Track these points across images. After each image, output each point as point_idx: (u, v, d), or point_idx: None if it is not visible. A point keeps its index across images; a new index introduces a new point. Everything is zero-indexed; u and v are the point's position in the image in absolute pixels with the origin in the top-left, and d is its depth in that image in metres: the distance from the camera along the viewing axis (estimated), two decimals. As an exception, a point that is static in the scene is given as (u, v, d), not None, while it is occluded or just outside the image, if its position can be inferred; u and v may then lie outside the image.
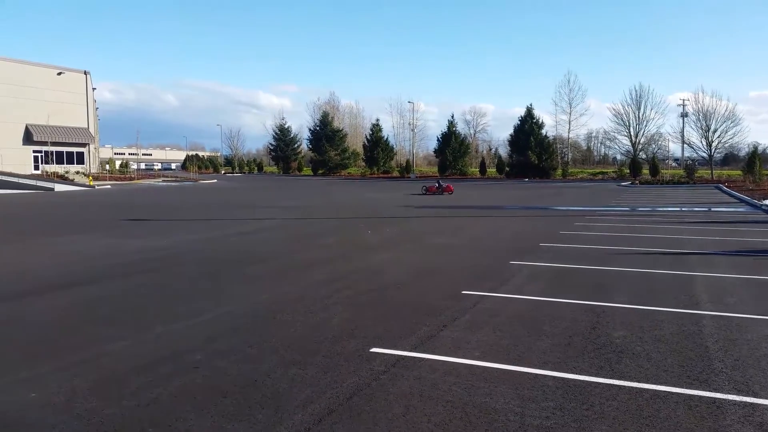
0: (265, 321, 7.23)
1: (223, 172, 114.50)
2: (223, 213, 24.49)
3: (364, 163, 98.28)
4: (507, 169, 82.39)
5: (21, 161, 54.29)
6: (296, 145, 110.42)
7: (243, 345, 6.22)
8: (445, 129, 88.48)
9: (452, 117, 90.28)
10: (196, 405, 4.64)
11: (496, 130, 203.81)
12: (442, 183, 41.62)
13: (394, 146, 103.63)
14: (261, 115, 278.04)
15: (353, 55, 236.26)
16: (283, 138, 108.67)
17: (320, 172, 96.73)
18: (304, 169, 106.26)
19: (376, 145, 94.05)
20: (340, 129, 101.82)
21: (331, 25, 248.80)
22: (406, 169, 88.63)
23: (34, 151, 56.20)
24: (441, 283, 9.57)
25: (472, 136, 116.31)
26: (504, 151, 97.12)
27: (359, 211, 24.96)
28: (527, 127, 79.06)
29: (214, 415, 4.45)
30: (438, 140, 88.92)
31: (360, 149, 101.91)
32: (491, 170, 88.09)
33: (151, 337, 6.56)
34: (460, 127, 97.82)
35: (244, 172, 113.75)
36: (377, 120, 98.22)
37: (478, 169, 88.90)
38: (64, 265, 11.58)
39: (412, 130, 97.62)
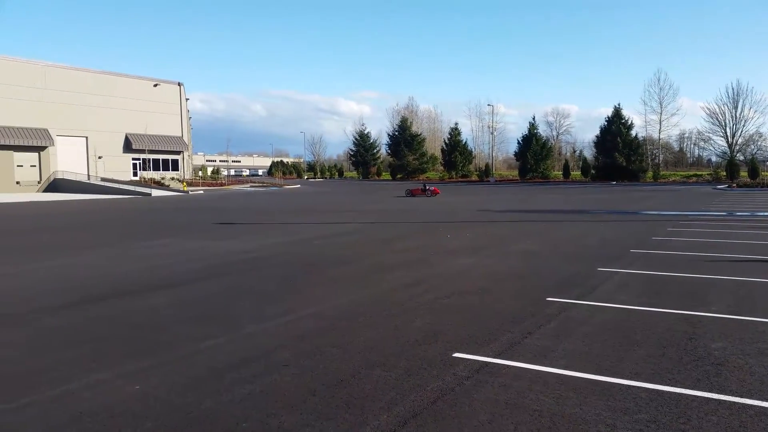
0: (348, 322, 7.37)
1: (305, 177, 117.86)
2: (306, 217, 25.20)
3: (442, 167, 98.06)
4: (592, 171, 79.44)
5: (121, 168, 58.39)
6: (375, 151, 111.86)
7: (328, 345, 6.37)
8: (525, 131, 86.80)
9: (533, 119, 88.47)
10: (286, 402, 4.81)
11: (581, 132, 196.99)
12: (428, 186, 43.76)
13: (473, 150, 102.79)
14: (341, 121, 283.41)
15: (432, 59, 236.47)
16: (362, 143, 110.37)
17: (399, 176, 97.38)
18: (383, 173, 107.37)
19: (454, 148, 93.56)
20: (419, 133, 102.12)
21: (411, 32, 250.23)
22: (486, 172, 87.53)
23: (133, 159, 60.27)
24: (524, 289, 9.36)
25: (555, 138, 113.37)
26: (589, 153, 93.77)
27: (438, 215, 24.90)
28: (614, 128, 75.93)
29: (303, 413, 4.59)
30: (518, 143, 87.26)
31: (438, 153, 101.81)
32: (575, 173, 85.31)
33: (243, 335, 6.86)
34: (542, 129, 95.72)
35: (325, 178, 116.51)
36: (456, 124, 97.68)
37: (561, 172, 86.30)
38: (162, 266, 12.33)
39: (492, 132, 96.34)
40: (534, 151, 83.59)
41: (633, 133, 76.76)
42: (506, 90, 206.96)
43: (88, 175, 54.11)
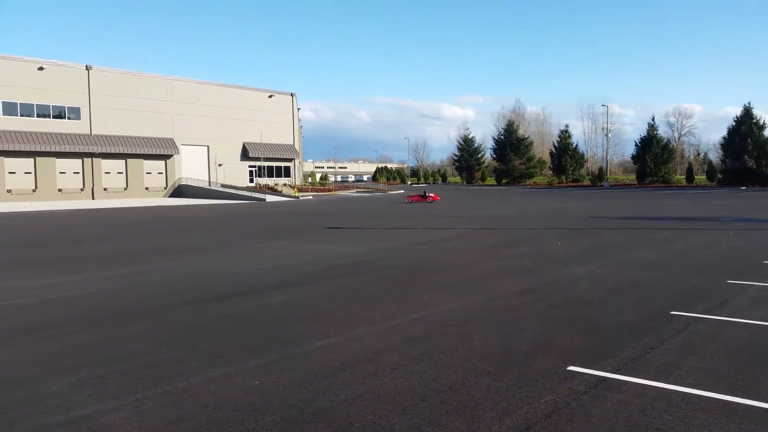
0: (456, 329, 7.32)
1: (409, 182, 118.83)
2: (411, 222, 25.39)
3: (551, 172, 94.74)
4: (719, 176, 73.34)
5: (239, 175, 62.15)
6: (480, 155, 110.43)
7: (436, 350, 6.37)
8: (644, 133, 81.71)
9: (652, 119, 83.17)
10: (396, 405, 4.87)
11: (704, 133, 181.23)
12: (427, 192, 45.88)
13: (585, 153, 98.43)
14: (444, 126, 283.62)
15: (540, 61, 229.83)
16: (466, 148, 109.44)
17: (504, 181, 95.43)
18: (488, 178, 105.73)
19: (564, 152, 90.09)
20: (525, 137, 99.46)
21: (518, 32, 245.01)
22: (599, 176, 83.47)
23: (250, 166, 63.94)
24: (644, 301, 8.80)
25: (676, 140, 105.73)
26: (714, 156, 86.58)
27: (546, 221, 24.09)
28: (744, 129, 69.62)
29: (414, 417, 4.62)
30: (636, 145, 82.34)
31: (546, 157, 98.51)
32: (700, 177, 79.24)
33: (353, 336, 7.03)
34: (662, 131, 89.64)
35: (429, 183, 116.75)
36: (566, 126, 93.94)
37: (683, 176, 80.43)
38: (278, 268, 12.96)
39: (606, 135, 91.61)
40: (654, 153, 78.51)
41: (766, 134, 69.89)
42: (621, 89, 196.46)
43: (209, 182, 58.10)
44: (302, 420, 4.62)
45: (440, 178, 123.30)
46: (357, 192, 70.54)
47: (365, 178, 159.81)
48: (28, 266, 13.68)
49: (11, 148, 45.61)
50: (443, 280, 10.94)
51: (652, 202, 39.26)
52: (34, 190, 47.37)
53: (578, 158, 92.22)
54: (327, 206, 40.92)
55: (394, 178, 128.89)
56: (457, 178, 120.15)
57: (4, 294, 10.18)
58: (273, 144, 65.28)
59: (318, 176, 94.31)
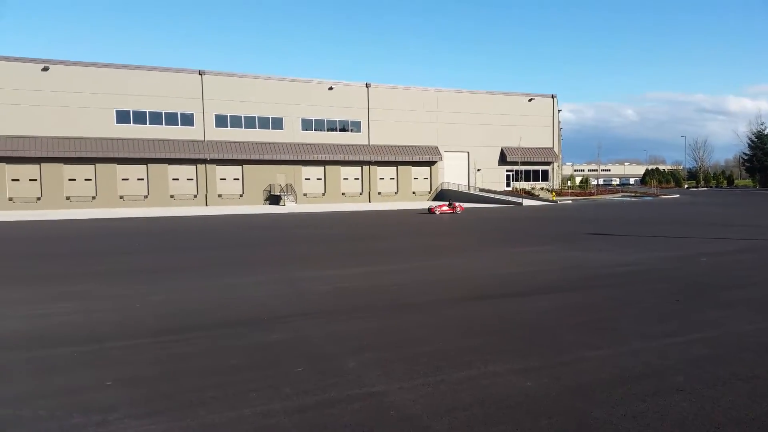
0: (752, 354, 6.35)
1: (685, 186, 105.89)
2: (688, 230, 22.67)
3: None
4: None
5: (496, 179, 63.02)
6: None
7: (730, 377, 5.63)
8: None
9: None
10: (685, 430, 4.46)
11: None
12: (453, 202, 41.81)
13: None
14: (729, 121, 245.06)
15: None
16: (761, 146, 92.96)
17: (815, 184, 78.52)
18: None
19: None
20: None
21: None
22: None
23: (507, 170, 64.31)
24: None
25: None
26: None
27: None
28: None
29: (706, 446, 4.19)
30: None
31: None
32: None
33: (628, 350, 6.64)
34: None
35: (710, 186, 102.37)
36: None
37: None
38: (539, 272, 12.86)
39: None
40: None
41: None
42: None
43: (468, 186, 60.16)
44: (577, 428, 4.55)
45: (725, 181, 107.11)
46: (623, 196, 65.52)
47: (631, 181, 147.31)
48: (330, 259, 15.97)
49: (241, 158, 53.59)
50: (731, 298, 9.57)
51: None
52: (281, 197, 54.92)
53: None
54: (588, 211, 38.90)
55: (667, 181, 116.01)
56: (748, 181, 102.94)
57: (323, 280, 12.01)
58: (531, 148, 64.63)
59: (578, 179, 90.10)
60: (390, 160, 57.09)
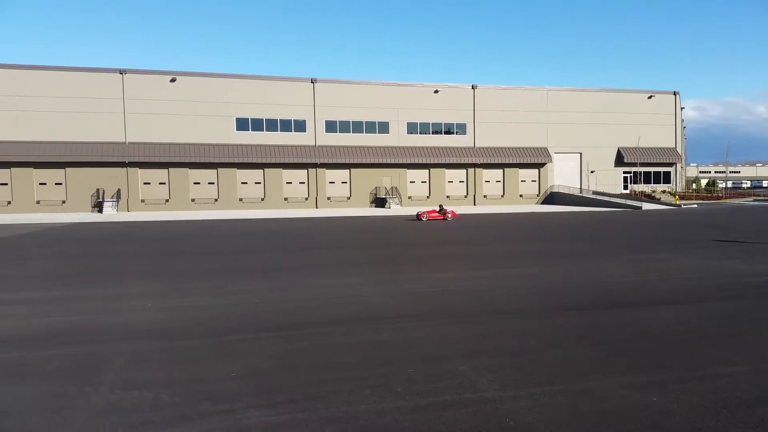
0: None
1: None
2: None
3: None
4: None
5: (612, 181, 59.83)
6: None
7: None
8: None
9: None
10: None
11: None
12: (444, 207, 37.16)
13: None
14: None
15: None
16: None
17: None
18: None
19: None
20: None
21: None
22: None
23: (624, 172, 60.83)
24: None
25: None
26: None
27: None
28: None
29: None
30: None
31: None
32: None
33: (765, 367, 6.04)
34: None
35: None
36: None
37: None
38: (662, 281, 12.03)
39: None
40: None
41: None
42: None
43: (581, 189, 57.60)
44: (712, 450, 4.21)
45: None
46: (755, 200, 59.78)
47: (764, 184, 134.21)
48: (440, 261, 16.00)
49: (337, 161, 54.03)
50: None
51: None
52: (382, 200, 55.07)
53: None
54: (716, 216, 35.83)
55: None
56: None
57: (431, 282, 12.08)
58: (651, 148, 60.69)
59: (703, 182, 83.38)
60: (496, 162, 56.09)
